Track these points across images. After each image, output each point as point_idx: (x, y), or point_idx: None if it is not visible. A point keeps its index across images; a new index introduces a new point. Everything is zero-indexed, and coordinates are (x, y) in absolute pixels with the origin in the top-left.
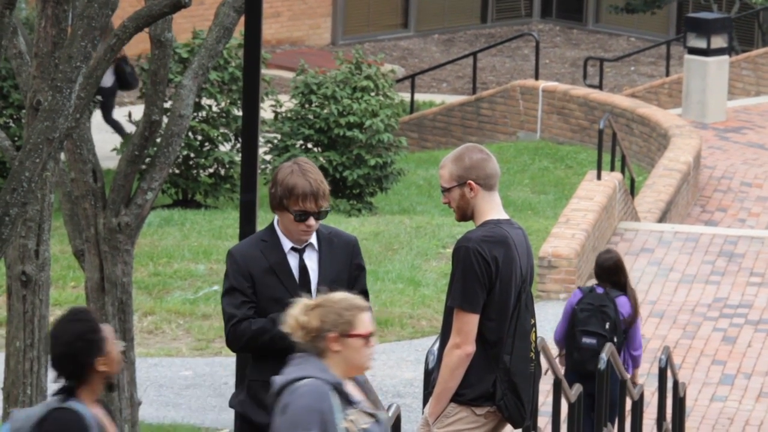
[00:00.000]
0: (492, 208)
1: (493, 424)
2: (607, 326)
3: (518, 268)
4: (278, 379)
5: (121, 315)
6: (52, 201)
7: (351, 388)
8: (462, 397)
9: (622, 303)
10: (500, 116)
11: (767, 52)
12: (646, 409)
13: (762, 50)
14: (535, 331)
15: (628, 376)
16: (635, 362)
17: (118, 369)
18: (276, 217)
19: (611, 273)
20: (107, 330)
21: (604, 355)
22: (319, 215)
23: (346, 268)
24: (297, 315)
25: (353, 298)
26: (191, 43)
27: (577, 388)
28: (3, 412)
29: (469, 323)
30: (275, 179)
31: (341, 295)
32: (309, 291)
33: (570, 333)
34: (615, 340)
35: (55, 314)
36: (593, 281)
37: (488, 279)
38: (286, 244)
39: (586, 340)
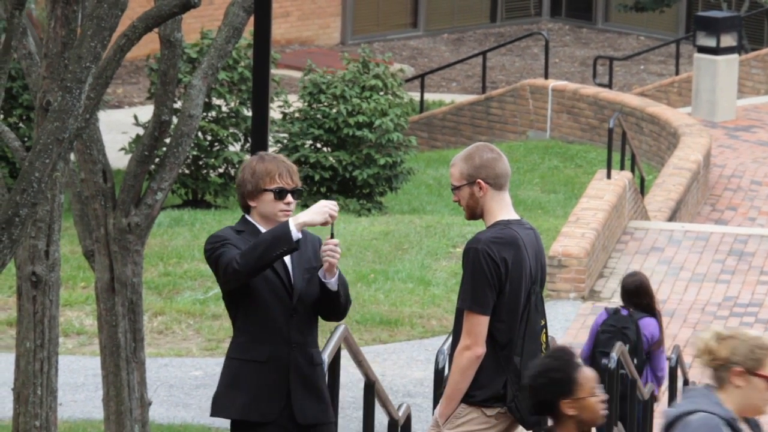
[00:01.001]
0: (502, 208)
1: (504, 425)
2: (626, 348)
3: (528, 269)
4: (670, 412)
5: (131, 315)
6: (62, 201)
7: (744, 426)
8: (472, 398)
9: (646, 324)
10: (510, 115)
11: None
12: (656, 408)
13: None
14: (546, 332)
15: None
16: (659, 382)
17: (595, 419)
18: (244, 216)
19: (633, 295)
20: (584, 374)
21: (614, 354)
22: (295, 193)
23: (315, 259)
24: (708, 340)
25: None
26: (200, 43)
27: None
28: (14, 413)
29: (479, 325)
30: (245, 172)
31: (757, 333)
32: (288, 274)
33: (591, 353)
34: (635, 361)
35: (65, 314)
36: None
37: (498, 280)
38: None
39: (605, 361)
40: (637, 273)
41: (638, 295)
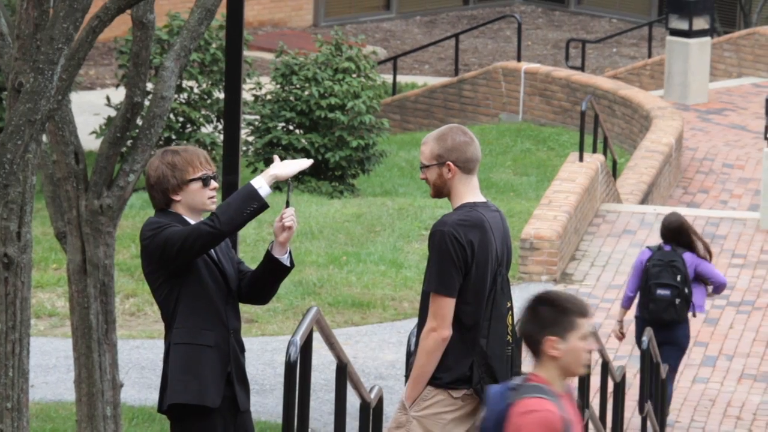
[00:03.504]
0: (468, 191)
1: (471, 407)
2: (678, 278)
3: (494, 252)
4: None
5: (103, 297)
6: (34, 183)
7: None
8: (439, 380)
9: (688, 258)
10: (482, 98)
11: (749, 34)
12: (628, 390)
13: (744, 32)
14: (512, 315)
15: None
16: (719, 290)
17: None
18: (164, 209)
19: (676, 233)
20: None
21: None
22: (215, 179)
23: (230, 251)
24: None
25: None
26: (170, 25)
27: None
28: None
29: (445, 307)
30: (162, 169)
31: None
32: (220, 261)
33: (644, 287)
34: (686, 290)
35: (37, 296)
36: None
37: (464, 263)
38: (191, 222)
39: (661, 291)
40: (676, 213)
41: (680, 232)
